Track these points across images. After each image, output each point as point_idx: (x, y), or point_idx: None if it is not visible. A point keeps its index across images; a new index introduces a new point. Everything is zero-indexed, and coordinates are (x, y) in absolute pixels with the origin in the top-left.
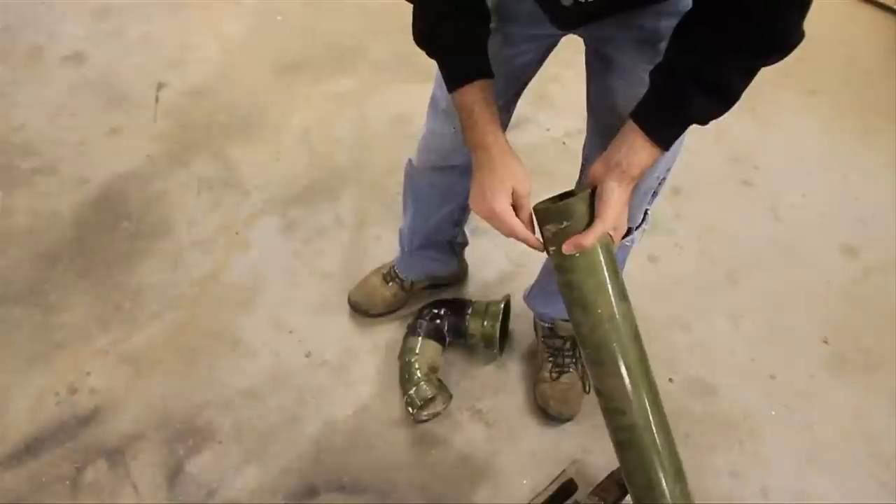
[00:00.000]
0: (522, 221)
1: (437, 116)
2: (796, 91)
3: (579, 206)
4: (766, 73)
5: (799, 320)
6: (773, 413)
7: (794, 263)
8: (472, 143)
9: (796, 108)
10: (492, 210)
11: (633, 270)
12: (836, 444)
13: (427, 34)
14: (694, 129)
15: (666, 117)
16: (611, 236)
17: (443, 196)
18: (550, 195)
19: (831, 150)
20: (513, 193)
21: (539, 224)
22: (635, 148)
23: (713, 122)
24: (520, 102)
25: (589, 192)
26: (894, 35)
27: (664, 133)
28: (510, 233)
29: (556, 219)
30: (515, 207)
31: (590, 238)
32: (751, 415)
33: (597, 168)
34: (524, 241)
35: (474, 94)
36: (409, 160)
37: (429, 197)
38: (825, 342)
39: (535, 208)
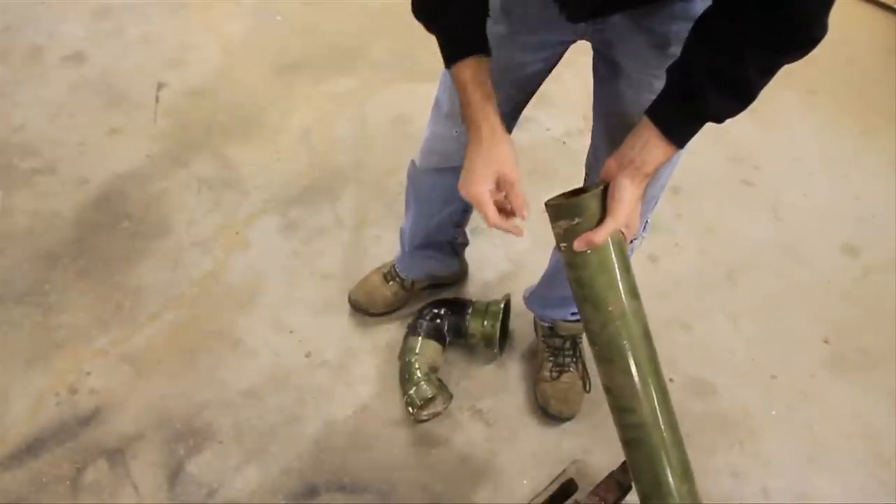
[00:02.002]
0: (516, 209)
1: (439, 120)
2: (797, 91)
3: (591, 202)
4: None
5: (799, 320)
6: (774, 413)
7: (795, 263)
8: (466, 121)
9: (797, 107)
10: (468, 193)
11: (634, 270)
12: (836, 444)
13: (423, 6)
14: None
15: (681, 115)
16: (623, 234)
17: (444, 198)
18: (551, 195)
19: (832, 150)
20: (499, 181)
21: (550, 220)
22: (650, 145)
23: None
24: None
25: (601, 188)
26: (894, 35)
27: (680, 130)
28: (485, 216)
29: (568, 215)
30: (507, 196)
31: (601, 235)
32: (751, 415)
33: (610, 165)
34: (501, 228)
35: (468, 71)
36: (412, 161)
37: (430, 198)
38: (825, 342)
39: (546, 204)
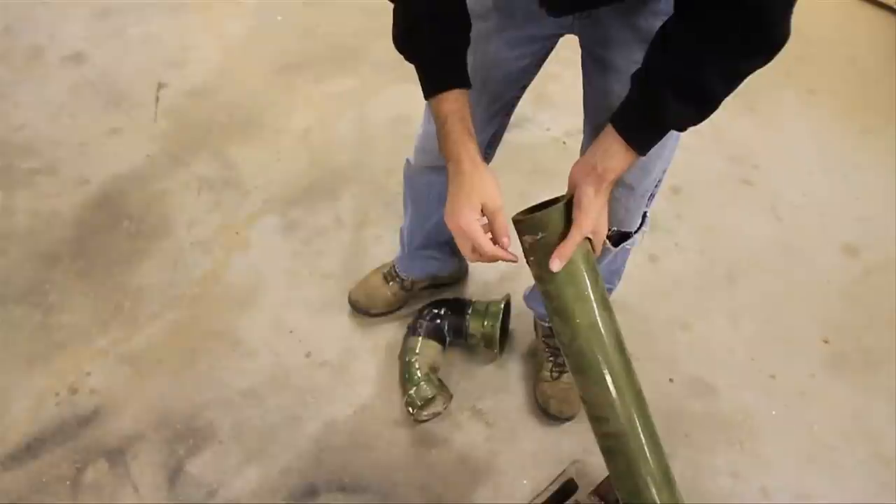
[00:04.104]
0: (496, 236)
1: (431, 118)
2: (796, 91)
3: (553, 217)
4: (766, 73)
5: (799, 320)
6: (773, 413)
7: (795, 263)
8: (444, 155)
9: (796, 107)
10: (456, 226)
11: (634, 270)
12: (836, 444)
13: (404, 39)
14: (693, 129)
15: (642, 123)
16: (591, 242)
17: (440, 196)
18: (552, 195)
19: (831, 150)
20: (483, 209)
21: (517, 235)
22: (611, 152)
23: (713, 122)
24: (520, 102)
25: (563, 203)
26: (894, 35)
27: (641, 139)
28: (477, 248)
29: (531, 230)
30: (489, 223)
31: (569, 247)
32: (751, 415)
33: (574, 172)
34: (494, 257)
35: (448, 105)
36: (408, 160)
37: (427, 197)
38: (825, 342)
39: (512, 219)
